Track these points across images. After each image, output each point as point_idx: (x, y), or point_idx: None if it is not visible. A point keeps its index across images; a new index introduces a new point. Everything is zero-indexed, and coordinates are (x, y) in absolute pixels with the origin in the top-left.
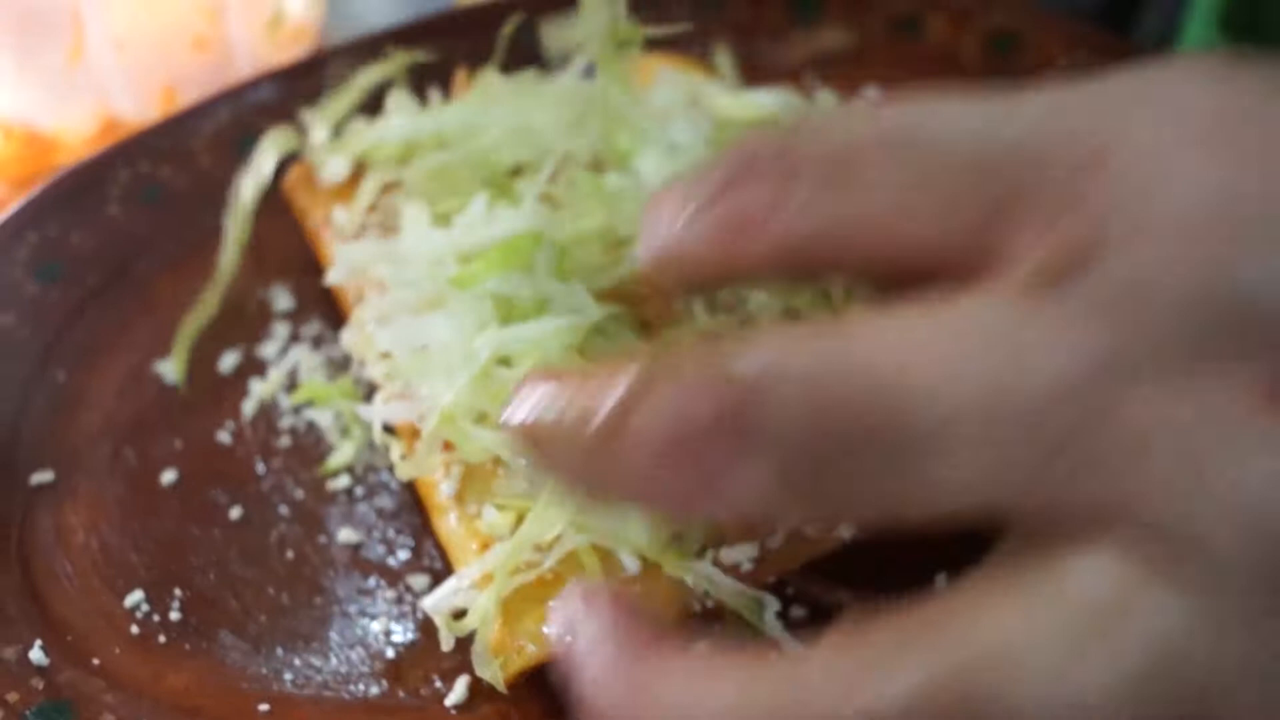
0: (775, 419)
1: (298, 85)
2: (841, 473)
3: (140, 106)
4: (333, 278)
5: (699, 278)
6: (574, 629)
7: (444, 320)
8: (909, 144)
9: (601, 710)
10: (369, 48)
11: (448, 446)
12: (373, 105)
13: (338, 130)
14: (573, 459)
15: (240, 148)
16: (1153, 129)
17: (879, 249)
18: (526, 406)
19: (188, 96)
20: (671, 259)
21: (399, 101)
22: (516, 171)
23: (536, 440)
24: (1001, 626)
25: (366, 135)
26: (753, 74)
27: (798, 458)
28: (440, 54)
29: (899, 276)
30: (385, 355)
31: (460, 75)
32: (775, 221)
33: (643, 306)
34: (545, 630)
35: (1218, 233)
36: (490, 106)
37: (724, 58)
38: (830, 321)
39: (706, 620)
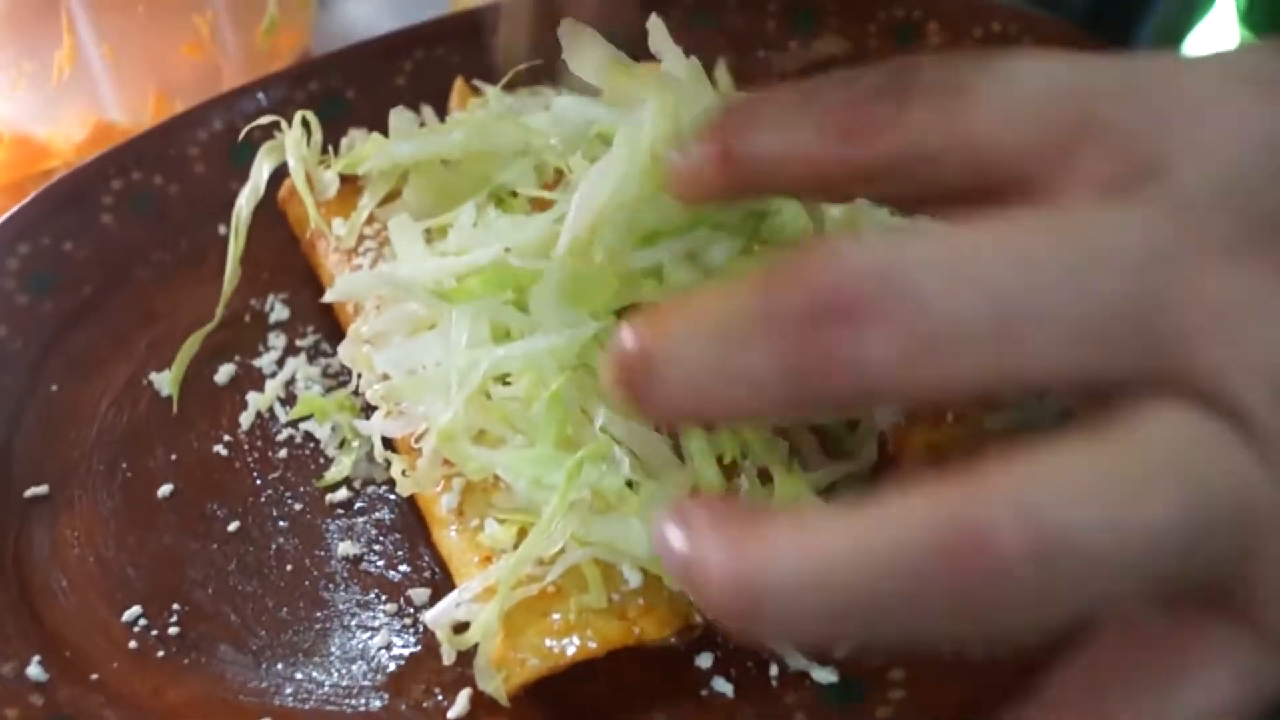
0: (898, 302)
1: (290, 93)
2: (952, 348)
3: (132, 112)
4: (330, 297)
5: (791, 177)
6: (669, 540)
7: (439, 340)
8: (1011, 78)
9: (721, 596)
10: (361, 54)
11: (448, 460)
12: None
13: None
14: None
15: (233, 155)
16: (1212, 82)
17: (969, 166)
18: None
19: (179, 103)
20: (776, 150)
21: (400, 120)
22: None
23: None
24: (1070, 461)
25: (371, 158)
26: (751, 85)
27: (917, 332)
28: (434, 60)
29: (965, 198)
30: (384, 377)
31: (458, 83)
32: (889, 132)
33: None
34: (547, 643)
35: (1260, 157)
36: (491, 128)
37: (722, 73)
38: (935, 235)
39: (707, 633)
